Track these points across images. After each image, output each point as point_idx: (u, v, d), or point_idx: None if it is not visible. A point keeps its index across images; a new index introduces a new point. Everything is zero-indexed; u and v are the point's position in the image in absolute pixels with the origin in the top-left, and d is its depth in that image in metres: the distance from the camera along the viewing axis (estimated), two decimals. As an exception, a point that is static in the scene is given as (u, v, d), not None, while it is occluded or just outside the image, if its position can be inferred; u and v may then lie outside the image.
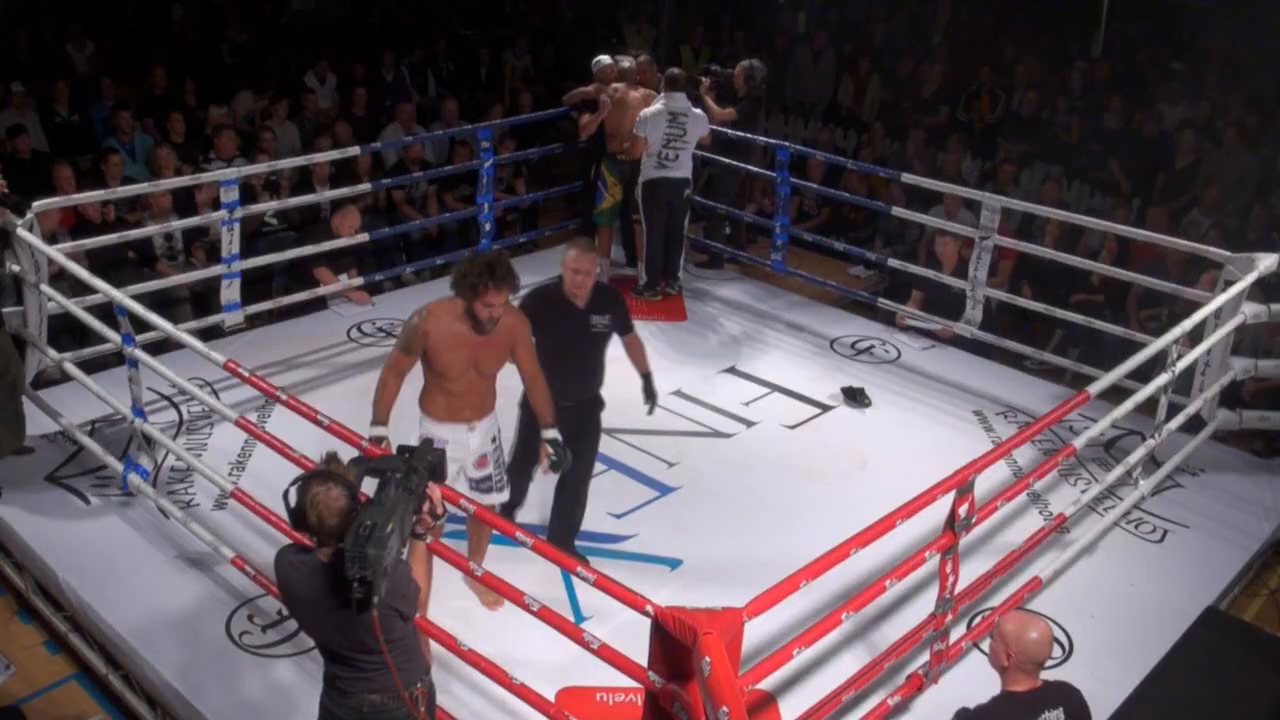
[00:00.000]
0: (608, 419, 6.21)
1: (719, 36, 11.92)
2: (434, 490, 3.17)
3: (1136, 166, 9.02)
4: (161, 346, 5.93)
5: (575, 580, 4.21)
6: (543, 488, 5.29)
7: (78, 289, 5.74)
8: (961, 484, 4.03)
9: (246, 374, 4.70)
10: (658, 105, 7.54)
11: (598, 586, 3.43)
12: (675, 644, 3.13)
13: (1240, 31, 9.64)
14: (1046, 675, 4.53)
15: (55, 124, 8.85)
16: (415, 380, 4.50)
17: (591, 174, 8.22)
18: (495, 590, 3.81)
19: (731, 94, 8.50)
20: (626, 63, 8.11)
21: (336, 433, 4.19)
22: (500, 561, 4.24)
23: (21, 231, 5.53)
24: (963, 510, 4.08)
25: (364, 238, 7.54)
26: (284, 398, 4.50)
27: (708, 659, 2.99)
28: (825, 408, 6.67)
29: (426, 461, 3.17)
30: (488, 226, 8.08)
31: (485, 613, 4.62)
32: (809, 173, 8.89)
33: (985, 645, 4.64)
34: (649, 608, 3.22)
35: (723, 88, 8.51)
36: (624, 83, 7.95)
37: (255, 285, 7.12)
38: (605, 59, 8.10)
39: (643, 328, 7.55)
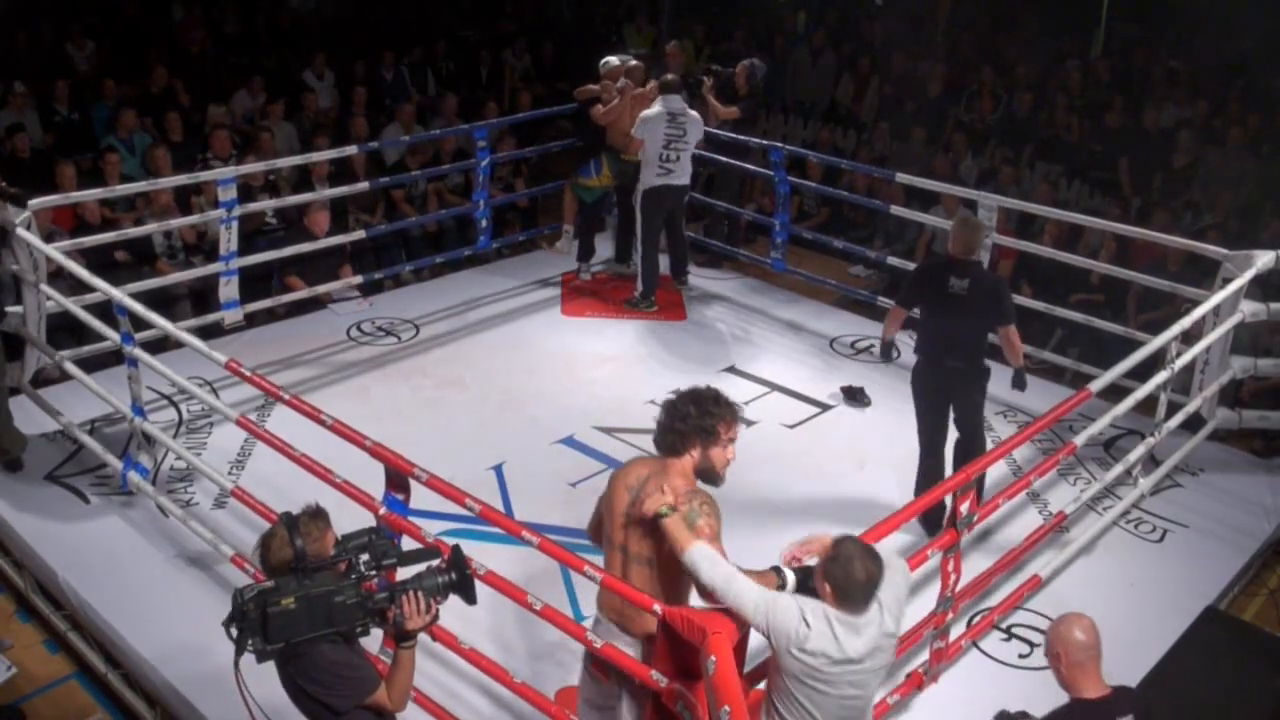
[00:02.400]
0: (605, 418, 6.24)
1: (719, 35, 11.91)
2: (412, 602, 2.92)
3: (1137, 166, 9.01)
4: (161, 345, 5.93)
5: (576, 579, 4.21)
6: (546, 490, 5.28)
7: (76, 288, 5.74)
8: (962, 484, 4.03)
9: (248, 373, 4.69)
10: (656, 108, 7.52)
11: (604, 586, 3.42)
12: (683, 643, 3.13)
13: (1240, 31, 9.64)
14: (1047, 673, 4.58)
15: (55, 123, 8.85)
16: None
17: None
18: (500, 588, 3.80)
19: (733, 93, 8.51)
20: (633, 62, 8.09)
21: (339, 432, 4.19)
22: (501, 561, 4.23)
23: (20, 231, 5.54)
24: (964, 508, 4.09)
25: (355, 237, 7.54)
26: (287, 397, 4.50)
27: (713, 658, 2.99)
28: (825, 407, 6.67)
29: (446, 578, 2.97)
30: (484, 224, 8.09)
31: (487, 612, 4.59)
32: (808, 172, 8.91)
33: (985, 644, 4.67)
34: (657, 607, 3.22)
35: (724, 86, 8.51)
36: (631, 79, 7.92)
37: (254, 284, 7.12)
38: (613, 59, 8.06)
39: (642, 327, 7.62)
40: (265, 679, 3.07)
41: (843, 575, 2.98)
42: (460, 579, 3.00)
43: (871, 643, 3.02)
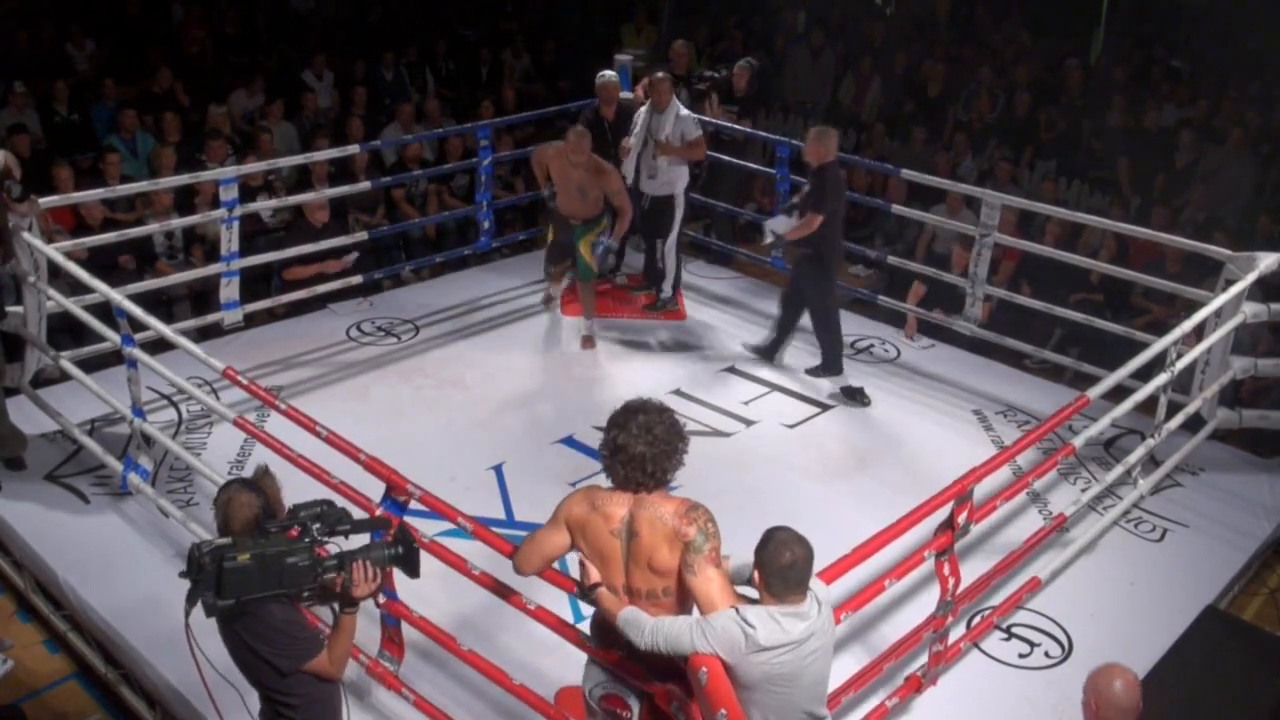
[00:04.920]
0: (605, 418, 6.21)
1: (717, 35, 11.90)
2: (361, 570, 3.02)
3: (1137, 166, 8.99)
4: (162, 344, 5.92)
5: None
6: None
7: (77, 288, 5.74)
8: (961, 493, 4.03)
9: (245, 382, 4.69)
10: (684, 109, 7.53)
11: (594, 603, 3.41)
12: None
13: (1240, 30, 9.63)
14: (1047, 673, 4.59)
15: (55, 123, 8.85)
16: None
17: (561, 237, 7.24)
18: (492, 591, 3.80)
19: (728, 94, 8.50)
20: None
21: (334, 444, 4.18)
22: (500, 564, 4.23)
23: (23, 233, 5.55)
24: (961, 518, 4.09)
25: (357, 238, 7.55)
26: (283, 407, 4.48)
27: (704, 670, 2.99)
28: (825, 407, 6.66)
29: (393, 550, 3.09)
30: (486, 224, 8.08)
31: (485, 614, 4.60)
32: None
33: (985, 644, 4.67)
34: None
35: (720, 89, 8.50)
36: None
37: (254, 284, 7.12)
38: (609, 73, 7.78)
39: (642, 327, 7.61)
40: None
41: (771, 559, 3.03)
42: (407, 552, 3.11)
43: (815, 621, 3.07)
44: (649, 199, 7.56)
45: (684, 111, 7.47)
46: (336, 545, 3.14)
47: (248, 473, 5.47)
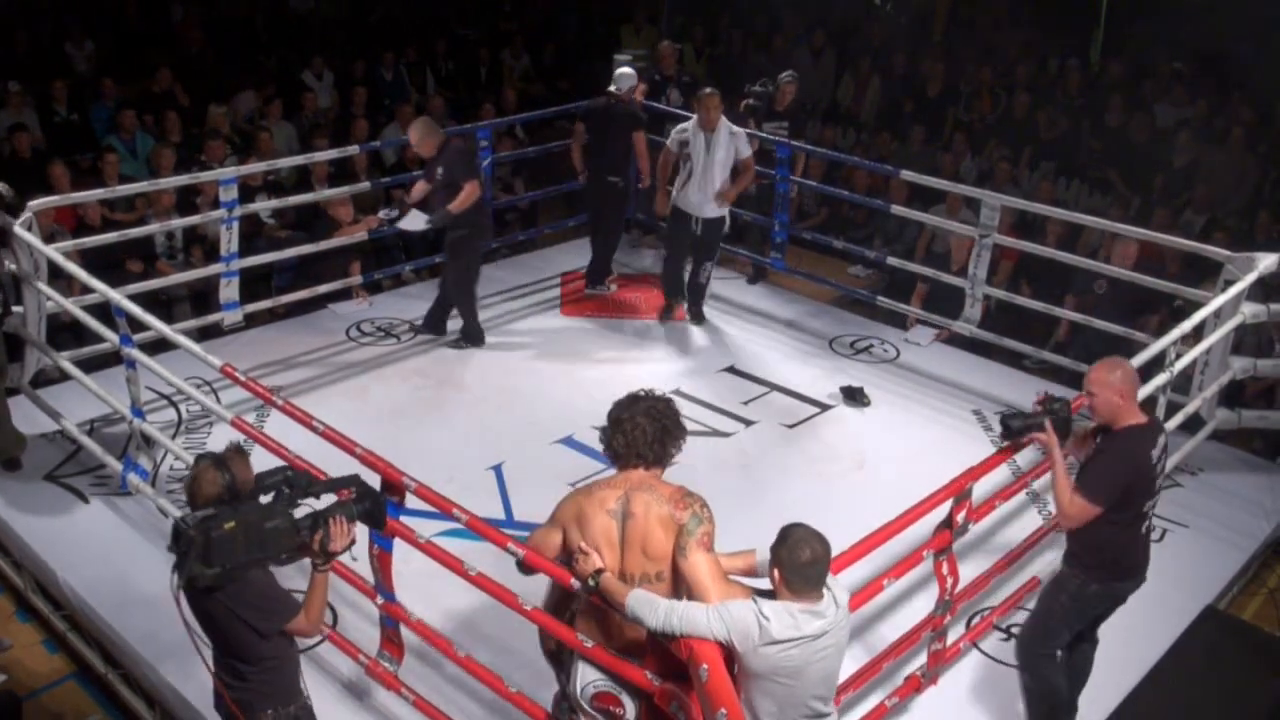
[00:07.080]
0: (605, 418, 6.22)
1: (716, 36, 11.89)
2: (338, 525, 3.16)
3: (1134, 168, 8.97)
4: (162, 344, 5.93)
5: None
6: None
7: (76, 288, 5.74)
8: (959, 491, 4.03)
9: (243, 379, 4.70)
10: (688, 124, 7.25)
11: (592, 602, 3.41)
12: (671, 655, 3.13)
13: (1239, 30, 9.62)
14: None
15: (55, 123, 8.85)
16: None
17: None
18: (491, 591, 3.80)
19: (769, 110, 8.47)
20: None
21: (330, 438, 4.19)
22: (501, 561, 4.23)
23: (19, 230, 5.54)
24: (960, 517, 4.09)
25: (358, 237, 7.55)
26: (280, 403, 4.49)
27: (705, 666, 2.99)
28: (824, 407, 6.66)
29: (360, 506, 3.25)
30: (486, 225, 8.08)
31: (482, 617, 4.60)
32: (808, 171, 8.88)
33: (984, 644, 4.67)
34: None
35: (763, 104, 8.47)
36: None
37: (254, 285, 7.12)
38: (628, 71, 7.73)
39: (641, 327, 7.62)
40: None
41: (790, 557, 3.04)
42: (372, 506, 3.30)
43: (831, 621, 3.07)
44: (701, 222, 7.29)
45: (735, 129, 7.19)
46: (309, 506, 3.24)
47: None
